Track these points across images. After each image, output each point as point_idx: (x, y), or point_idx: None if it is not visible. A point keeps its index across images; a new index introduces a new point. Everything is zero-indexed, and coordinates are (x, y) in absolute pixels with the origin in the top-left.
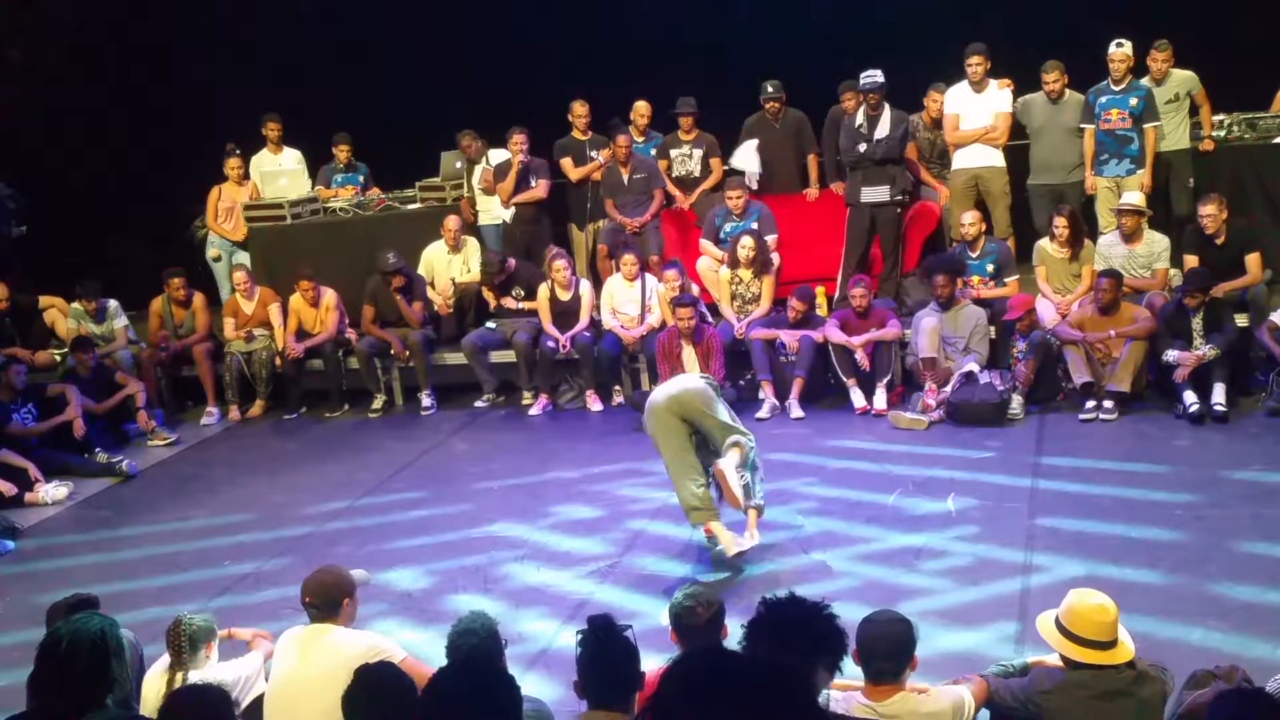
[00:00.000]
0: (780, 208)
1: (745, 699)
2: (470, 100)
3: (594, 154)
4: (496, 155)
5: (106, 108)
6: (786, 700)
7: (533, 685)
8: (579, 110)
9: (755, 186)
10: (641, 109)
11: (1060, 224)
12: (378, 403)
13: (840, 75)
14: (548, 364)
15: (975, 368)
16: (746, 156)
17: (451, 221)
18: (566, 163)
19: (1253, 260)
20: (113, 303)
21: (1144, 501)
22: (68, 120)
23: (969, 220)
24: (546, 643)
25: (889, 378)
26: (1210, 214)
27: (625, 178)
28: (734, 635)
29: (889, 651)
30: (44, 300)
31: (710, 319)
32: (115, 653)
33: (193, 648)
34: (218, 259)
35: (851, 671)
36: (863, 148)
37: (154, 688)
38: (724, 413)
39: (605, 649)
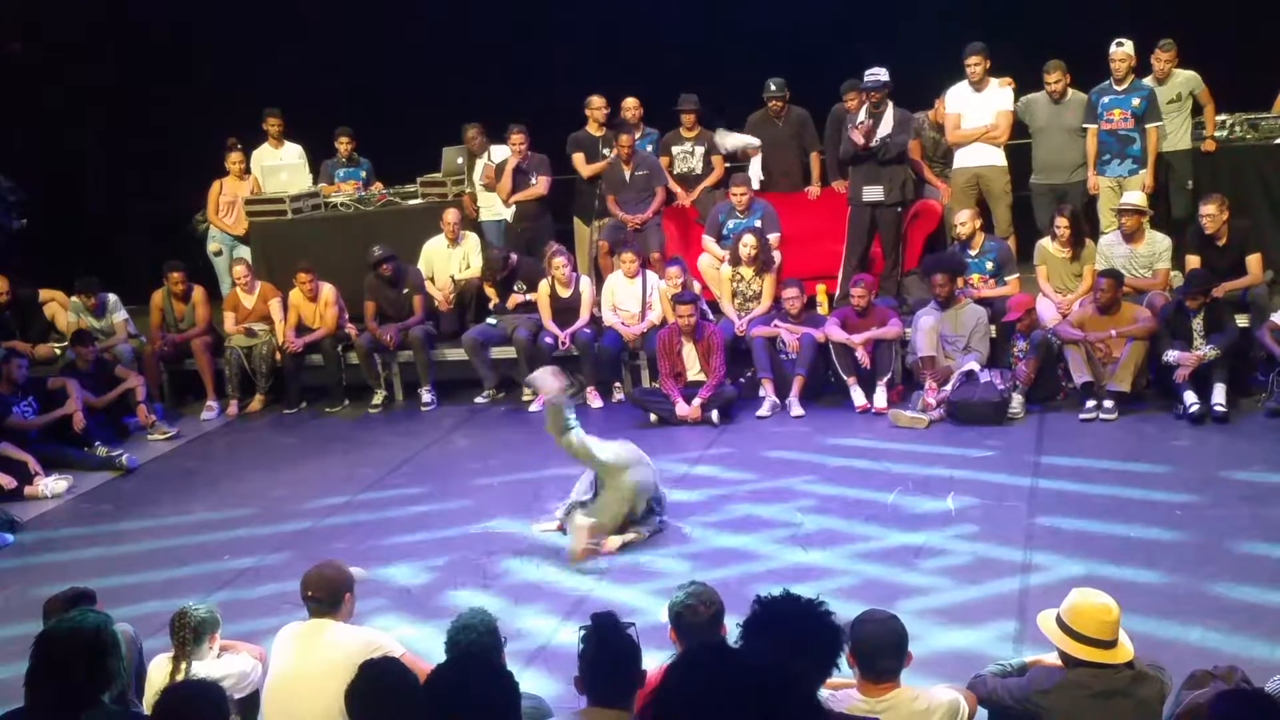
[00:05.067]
0: (782, 205)
1: (747, 697)
2: (472, 95)
3: (606, 150)
4: (498, 151)
5: (107, 101)
6: (787, 698)
7: (531, 681)
8: (596, 103)
9: (756, 186)
10: (599, 103)
11: (1061, 224)
12: (378, 398)
13: (843, 73)
14: (547, 360)
15: (975, 366)
16: (734, 140)
17: (450, 215)
18: (579, 158)
19: (1254, 261)
20: (112, 297)
21: (1143, 501)
22: (68, 113)
23: (963, 219)
24: (545, 639)
25: (889, 376)
26: (1210, 214)
27: (627, 174)
28: (731, 634)
29: (893, 649)
30: (44, 294)
31: (711, 316)
32: (111, 649)
33: (196, 639)
34: (218, 253)
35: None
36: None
37: (158, 678)
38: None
39: (608, 646)
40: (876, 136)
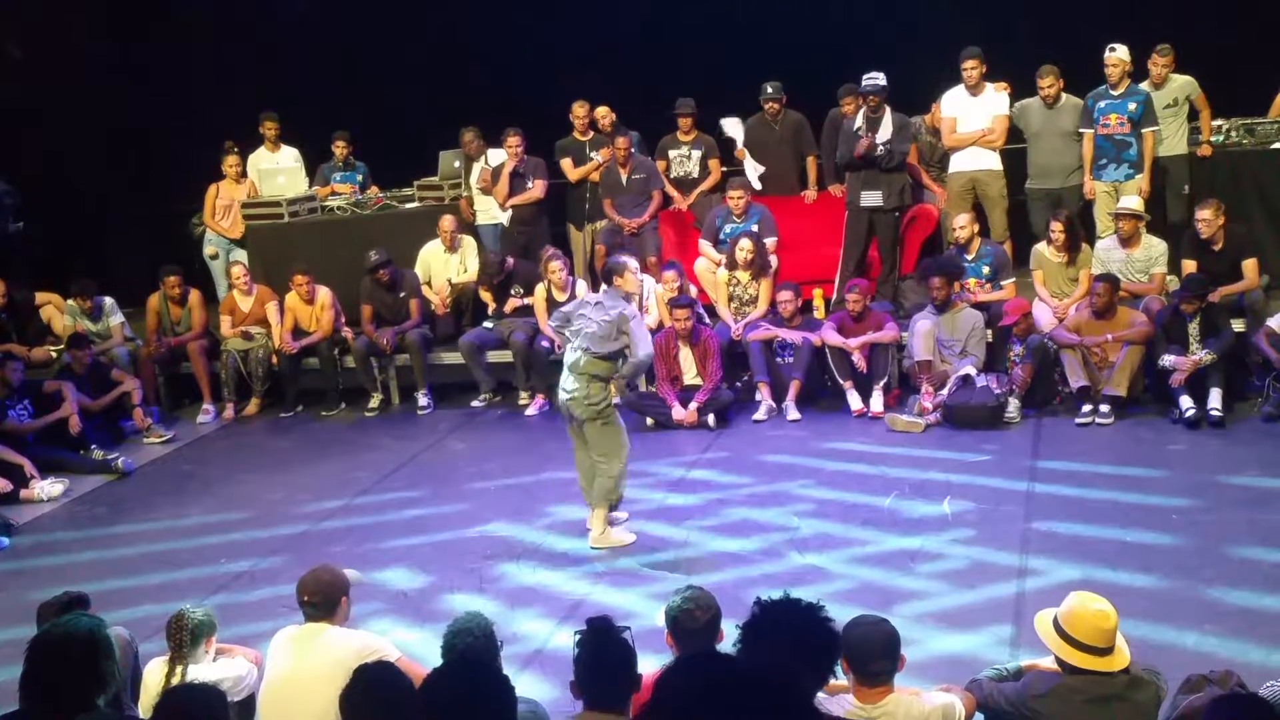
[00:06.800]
0: (778, 209)
1: (741, 703)
2: (469, 99)
3: (594, 155)
4: (495, 155)
5: (104, 104)
6: (782, 704)
7: (528, 685)
8: (579, 111)
9: (759, 186)
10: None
11: (1056, 229)
12: (374, 402)
13: (840, 77)
14: (544, 364)
15: (972, 371)
16: (733, 127)
17: (447, 221)
18: (566, 163)
19: (1249, 266)
20: (108, 300)
21: (1140, 506)
22: (65, 116)
23: (961, 223)
24: (542, 643)
25: (886, 380)
26: (1206, 219)
27: (624, 178)
28: (729, 637)
29: (885, 651)
30: (40, 297)
31: (707, 320)
32: (105, 653)
33: (193, 642)
34: (215, 257)
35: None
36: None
37: (154, 681)
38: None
39: (604, 650)
40: (877, 141)
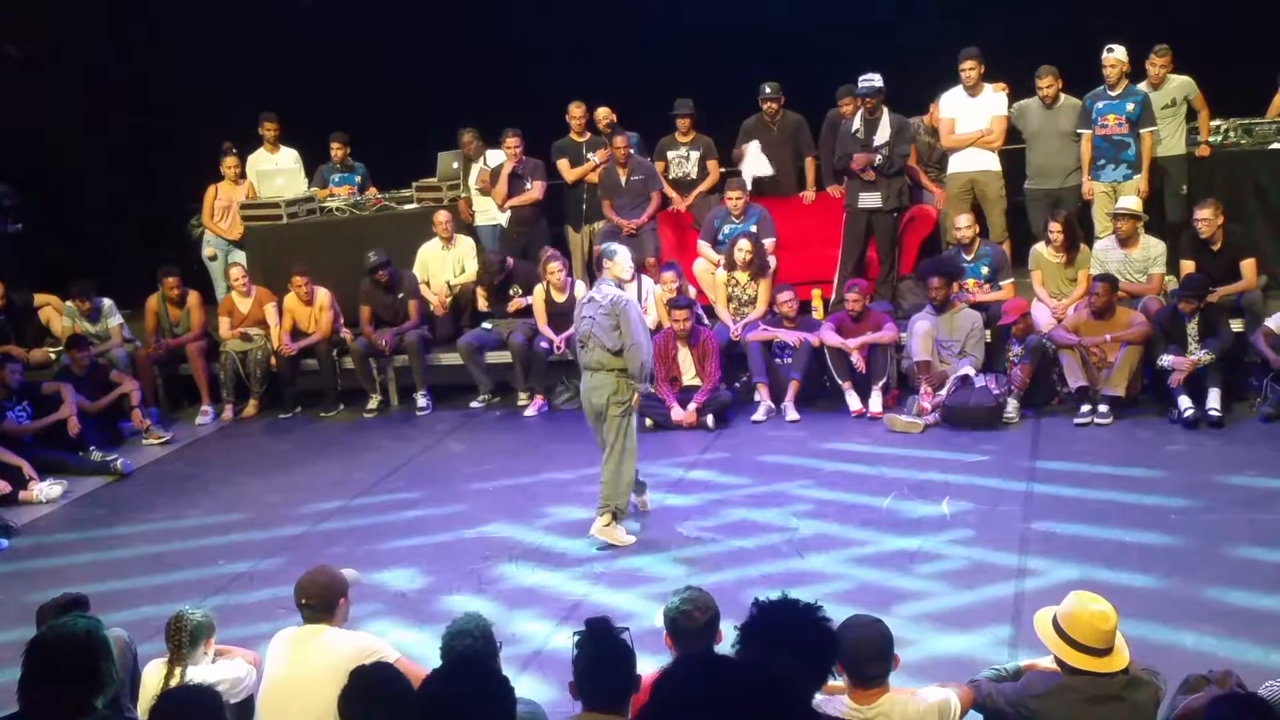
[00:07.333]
0: (777, 210)
1: (740, 704)
2: (468, 100)
3: (591, 155)
4: (494, 156)
5: (104, 106)
6: (781, 705)
7: (527, 686)
8: (575, 111)
9: (750, 185)
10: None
11: (1055, 229)
12: (373, 403)
13: (839, 77)
14: (543, 365)
15: (971, 371)
16: (756, 163)
17: (442, 215)
18: (563, 164)
19: (1248, 266)
20: (107, 301)
21: (1138, 506)
22: (64, 118)
23: (963, 224)
24: (541, 644)
25: (885, 381)
26: (1206, 218)
27: (623, 179)
28: (728, 638)
29: (880, 653)
30: (39, 298)
31: (706, 321)
32: (103, 654)
33: (192, 643)
34: (213, 258)
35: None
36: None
37: (153, 682)
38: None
39: (602, 651)
40: (875, 143)
